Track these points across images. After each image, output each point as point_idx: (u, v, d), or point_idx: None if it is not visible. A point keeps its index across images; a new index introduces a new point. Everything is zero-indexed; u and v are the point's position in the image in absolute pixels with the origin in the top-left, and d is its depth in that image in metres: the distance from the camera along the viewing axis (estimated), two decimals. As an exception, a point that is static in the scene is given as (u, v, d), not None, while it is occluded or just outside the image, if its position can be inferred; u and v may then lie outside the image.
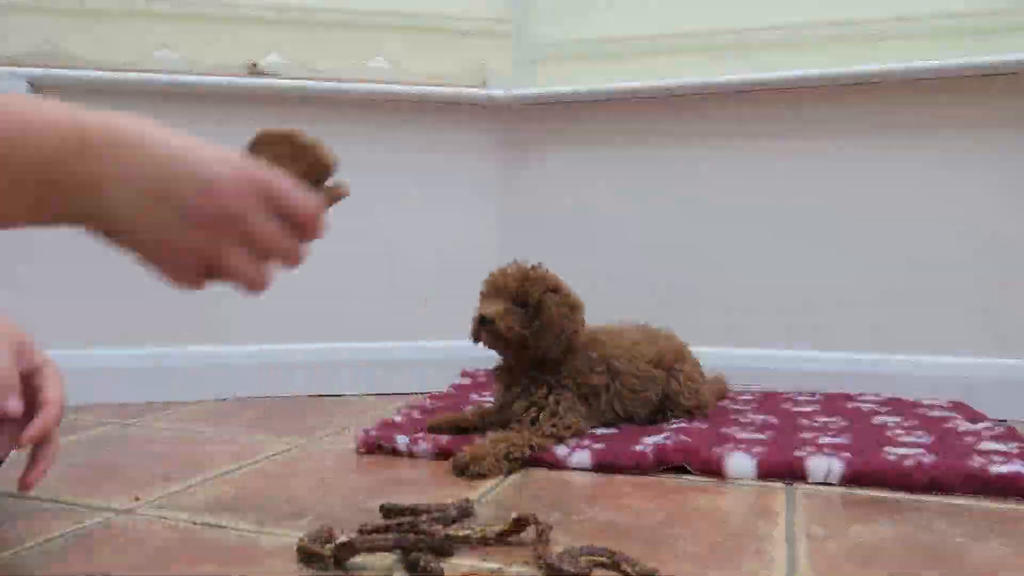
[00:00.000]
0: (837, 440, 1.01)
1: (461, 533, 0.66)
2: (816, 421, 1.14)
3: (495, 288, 1.08)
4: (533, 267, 1.09)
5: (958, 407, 1.24)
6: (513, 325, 1.04)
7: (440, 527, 0.68)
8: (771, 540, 0.70)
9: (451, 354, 1.50)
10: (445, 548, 0.65)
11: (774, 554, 0.67)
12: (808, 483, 0.89)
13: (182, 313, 1.43)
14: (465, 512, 0.75)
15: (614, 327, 1.19)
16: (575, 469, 0.95)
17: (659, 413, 1.16)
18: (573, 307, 1.09)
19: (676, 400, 1.15)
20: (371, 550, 0.64)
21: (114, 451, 1.04)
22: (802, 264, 1.43)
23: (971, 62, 1.29)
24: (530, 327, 1.05)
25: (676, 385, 1.15)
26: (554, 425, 1.01)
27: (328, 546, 0.64)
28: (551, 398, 1.05)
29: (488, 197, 1.60)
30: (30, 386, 0.65)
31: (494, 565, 0.64)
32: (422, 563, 0.61)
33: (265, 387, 1.45)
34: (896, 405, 1.25)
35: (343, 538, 0.64)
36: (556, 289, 1.09)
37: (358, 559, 0.65)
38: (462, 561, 0.65)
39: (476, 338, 1.07)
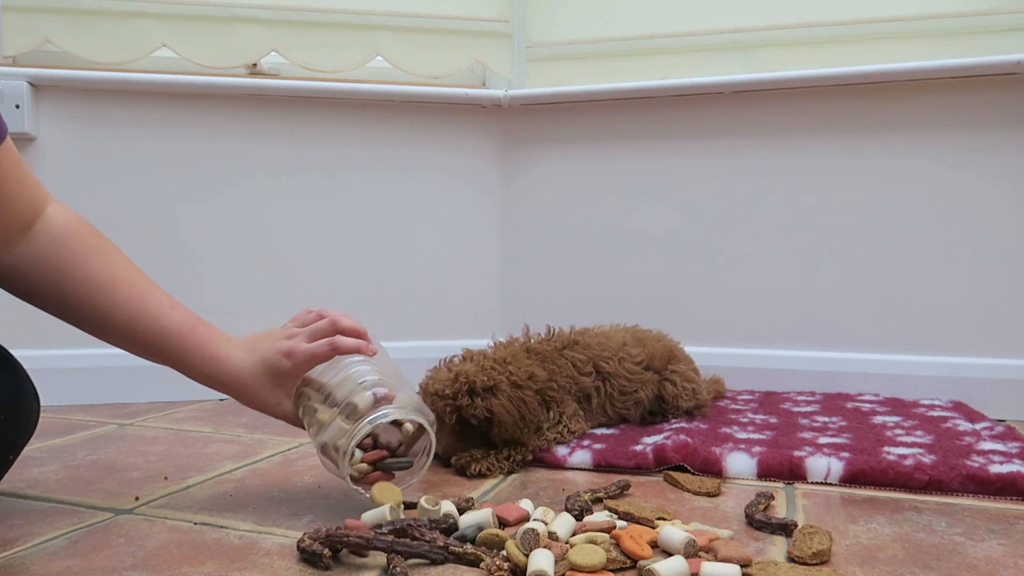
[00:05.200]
0: (837, 440, 1.01)
1: (459, 550, 0.66)
2: (816, 421, 1.14)
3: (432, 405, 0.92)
4: (457, 374, 0.93)
5: (958, 407, 1.24)
6: (458, 448, 0.94)
7: (437, 531, 0.68)
8: (770, 540, 0.70)
9: (451, 354, 1.50)
10: (444, 550, 0.65)
11: (773, 553, 0.67)
12: (808, 483, 0.89)
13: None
14: (465, 512, 0.75)
15: (603, 329, 1.17)
16: (575, 469, 0.95)
17: (652, 414, 1.16)
18: (524, 387, 0.94)
19: (675, 404, 1.14)
20: (369, 549, 0.64)
21: (114, 451, 1.04)
22: (802, 264, 1.43)
23: (971, 62, 1.29)
24: (486, 428, 0.93)
25: (672, 388, 1.14)
26: (559, 432, 1.01)
27: (328, 543, 0.64)
28: (551, 413, 1.02)
29: (488, 197, 1.60)
30: None
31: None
32: (399, 570, 0.61)
33: (265, 387, 1.45)
34: (896, 405, 1.25)
35: (342, 538, 0.64)
36: (494, 388, 0.92)
37: (356, 559, 0.65)
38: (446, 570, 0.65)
39: None
